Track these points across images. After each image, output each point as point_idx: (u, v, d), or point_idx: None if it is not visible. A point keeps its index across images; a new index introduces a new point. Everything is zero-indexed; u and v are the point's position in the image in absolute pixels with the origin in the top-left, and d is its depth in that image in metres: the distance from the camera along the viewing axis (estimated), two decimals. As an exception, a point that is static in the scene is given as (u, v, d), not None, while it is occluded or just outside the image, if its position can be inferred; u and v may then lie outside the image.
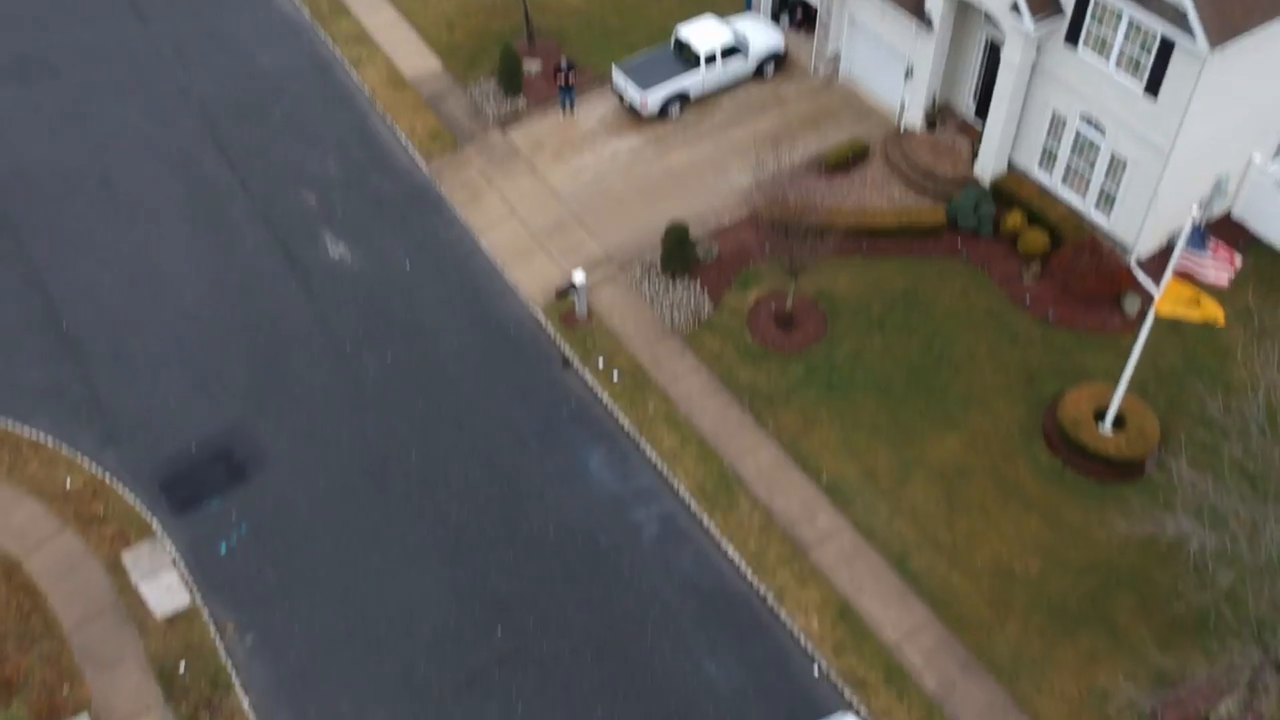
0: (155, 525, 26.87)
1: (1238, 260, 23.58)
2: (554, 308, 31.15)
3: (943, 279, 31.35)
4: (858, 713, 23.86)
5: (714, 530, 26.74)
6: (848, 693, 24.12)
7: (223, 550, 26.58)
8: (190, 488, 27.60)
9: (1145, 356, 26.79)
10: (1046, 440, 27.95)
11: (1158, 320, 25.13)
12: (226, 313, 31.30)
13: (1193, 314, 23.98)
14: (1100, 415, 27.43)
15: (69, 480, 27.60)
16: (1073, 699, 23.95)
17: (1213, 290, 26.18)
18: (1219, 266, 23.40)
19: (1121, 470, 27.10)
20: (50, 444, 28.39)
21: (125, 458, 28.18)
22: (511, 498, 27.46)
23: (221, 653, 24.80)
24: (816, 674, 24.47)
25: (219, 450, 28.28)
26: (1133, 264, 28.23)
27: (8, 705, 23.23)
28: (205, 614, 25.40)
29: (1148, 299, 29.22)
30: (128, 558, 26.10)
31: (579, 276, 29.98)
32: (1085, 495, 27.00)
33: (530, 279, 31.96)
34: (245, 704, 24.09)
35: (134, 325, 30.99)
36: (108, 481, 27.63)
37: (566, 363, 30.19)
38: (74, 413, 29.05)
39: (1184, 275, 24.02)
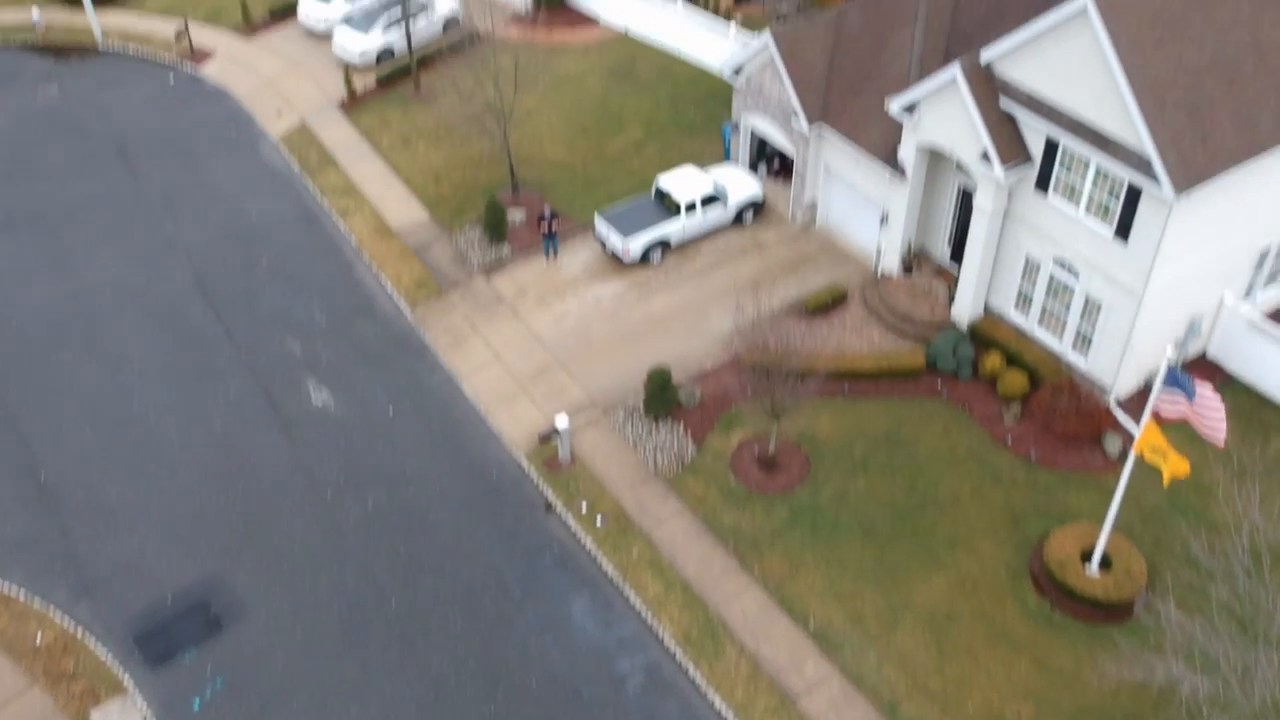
0: (127, 681, 26.17)
1: (1221, 422, 23.47)
2: (537, 453, 31.10)
3: (924, 420, 31.48)
4: None
5: (700, 680, 26.18)
6: None
7: (196, 706, 25.86)
8: (165, 641, 27.00)
9: (1129, 496, 26.76)
10: (1034, 582, 27.68)
11: (1140, 460, 25.21)
12: (208, 462, 31.14)
13: (1162, 467, 23.96)
14: (1087, 556, 27.25)
15: (40, 635, 26.99)
16: None
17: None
18: (1211, 423, 23.32)
19: (1110, 612, 26.78)
20: (22, 598, 27.87)
21: (99, 610, 27.62)
22: (493, 648, 26.92)
23: (191, 815, 23.95)
24: (808, 830, 23.72)
25: (195, 602, 27.76)
26: (1112, 404, 28.43)
27: None
28: (175, 774, 24.62)
29: (1129, 439, 29.35)
30: (96, 715, 25.35)
31: (562, 421, 30.02)
32: (1075, 638, 26.61)
33: (513, 424, 31.99)
34: None
35: (113, 475, 30.76)
36: (80, 636, 27.03)
37: (549, 508, 29.99)
38: (48, 565, 28.58)
39: (1168, 419, 24.10)
